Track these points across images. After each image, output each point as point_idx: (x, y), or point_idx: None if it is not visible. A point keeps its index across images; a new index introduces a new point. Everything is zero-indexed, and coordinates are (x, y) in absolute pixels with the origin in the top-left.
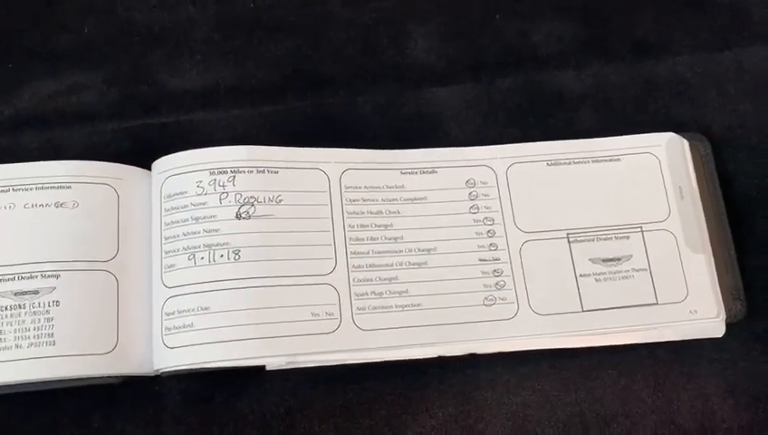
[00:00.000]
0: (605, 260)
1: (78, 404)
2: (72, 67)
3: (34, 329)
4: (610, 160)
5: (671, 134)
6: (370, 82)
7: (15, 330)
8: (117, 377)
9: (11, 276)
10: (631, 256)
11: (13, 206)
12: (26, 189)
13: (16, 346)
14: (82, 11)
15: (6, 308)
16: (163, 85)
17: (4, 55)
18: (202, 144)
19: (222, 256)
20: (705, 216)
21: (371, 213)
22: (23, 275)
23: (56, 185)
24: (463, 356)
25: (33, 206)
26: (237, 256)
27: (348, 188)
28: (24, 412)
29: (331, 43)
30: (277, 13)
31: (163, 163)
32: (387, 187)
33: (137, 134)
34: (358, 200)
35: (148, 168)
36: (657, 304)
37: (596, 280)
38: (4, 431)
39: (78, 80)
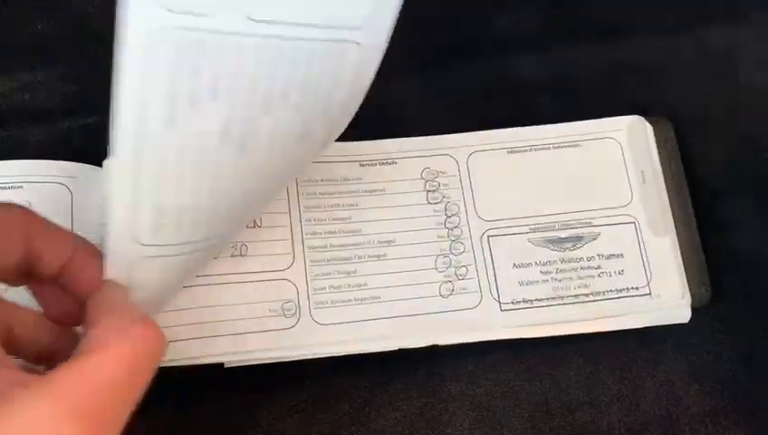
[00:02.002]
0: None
1: None
2: (26, 65)
3: None
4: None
5: (633, 117)
6: None
7: None
8: None
9: None
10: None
11: None
12: None
13: None
14: (35, 8)
15: None
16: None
17: None
18: None
19: None
20: (669, 200)
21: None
22: None
23: (7, 185)
24: (426, 348)
25: None
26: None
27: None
28: None
29: None
30: None
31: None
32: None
33: (92, 132)
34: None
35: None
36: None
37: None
38: None
39: (32, 78)
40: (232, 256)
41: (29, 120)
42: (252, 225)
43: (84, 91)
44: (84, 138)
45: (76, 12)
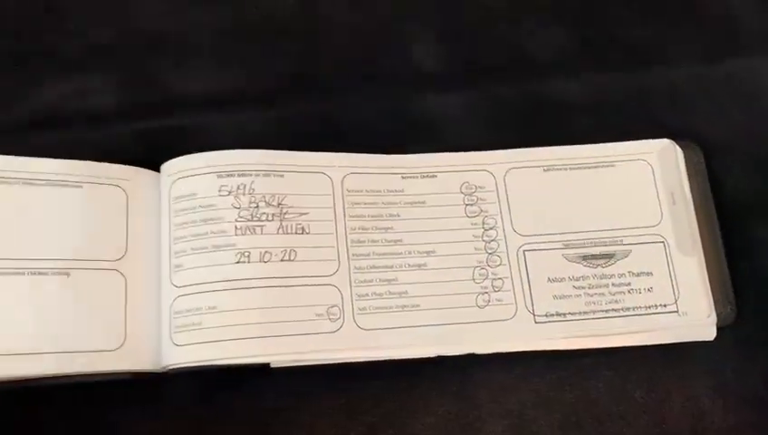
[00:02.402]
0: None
1: (85, 399)
2: (84, 71)
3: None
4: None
5: (665, 141)
6: (373, 87)
7: None
8: (125, 373)
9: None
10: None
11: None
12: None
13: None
14: (94, 16)
15: None
16: (171, 89)
17: (19, 58)
18: (208, 147)
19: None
20: (697, 221)
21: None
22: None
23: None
24: (462, 356)
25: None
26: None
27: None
28: (31, 408)
29: (333, 49)
30: (281, 18)
31: (172, 166)
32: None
33: (145, 137)
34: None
35: (157, 169)
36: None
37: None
38: (10, 426)
39: (89, 83)
40: (282, 260)
41: (85, 123)
42: (300, 231)
43: (138, 97)
44: (137, 142)
45: (132, 22)
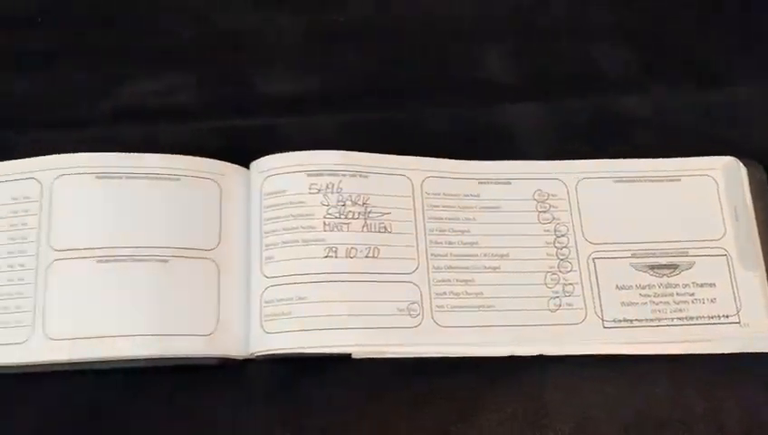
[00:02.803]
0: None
1: (172, 383)
2: (171, 68)
3: None
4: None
5: (729, 158)
6: (445, 96)
7: None
8: (213, 358)
9: (124, 258)
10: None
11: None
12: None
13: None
14: (181, 16)
15: None
16: (253, 90)
17: (109, 54)
18: (287, 147)
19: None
20: (759, 237)
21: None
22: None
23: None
24: (530, 357)
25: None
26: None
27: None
28: (119, 389)
29: (409, 58)
30: (360, 26)
31: (263, 163)
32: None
33: (227, 134)
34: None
35: (239, 164)
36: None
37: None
38: (99, 406)
39: (175, 80)
40: (366, 256)
41: (170, 119)
42: (383, 230)
43: (221, 96)
44: (218, 139)
45: (218, 23)
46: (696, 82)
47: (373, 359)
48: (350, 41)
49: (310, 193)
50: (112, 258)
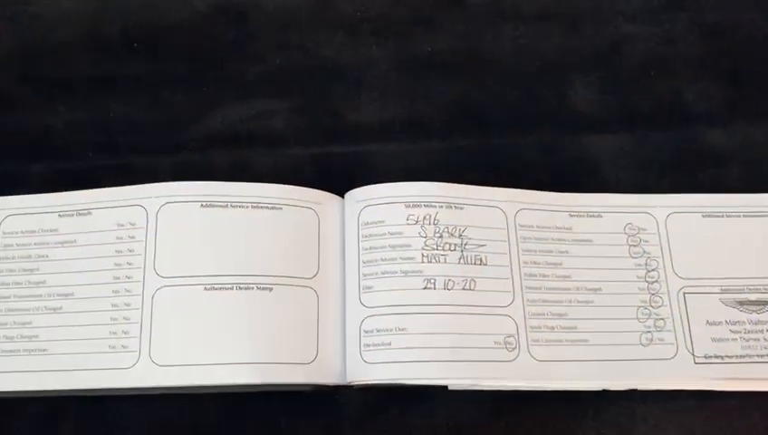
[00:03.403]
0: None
1: (267, 408)
2: (262, 95)
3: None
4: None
5: None
6: (532, 126)
7: None
8: (310, 385)
9: (230, 286)
10: None
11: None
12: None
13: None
14: (274, 44)
15: None
16: (343, 117)
17: (201, 80)
18: (376, 174)
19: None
20: None
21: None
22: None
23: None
24: (619, 390)
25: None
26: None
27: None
28: (215, 413)
29: (497, 88)
30: (449, 57)
31: (359, 193)
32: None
33: (316, 161)
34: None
35: (328, 191)
36: None
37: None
38: (198, 428)
39: (266, 107)
40: (463, 288)
41: (260, 146)
42: (478, 262)
43: (311, 123)
44: (309, 166)
45: (310, 51)
46: None
47: (460, 390)
48: (437, 71)
49: (408, 224)
50: (218, 286)
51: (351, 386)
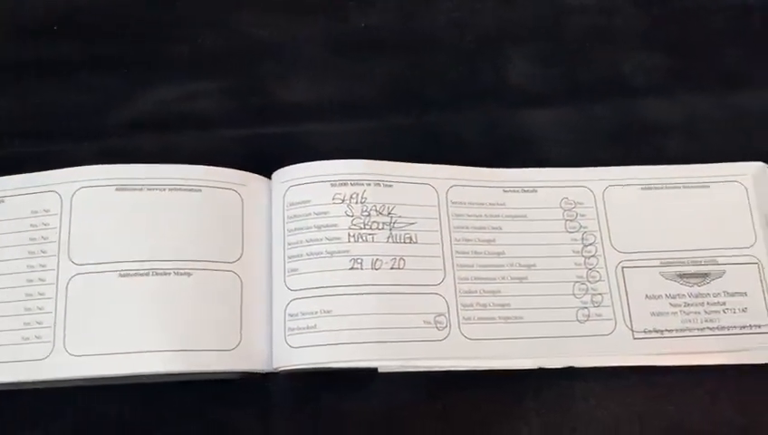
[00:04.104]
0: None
1: (193, 397)
2: (190, 76)
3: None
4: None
5: (758, 164)
6: (471, 102)
7: None
8: (236, 372)
9: (146, 272)
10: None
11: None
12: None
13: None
14: (203, 24)
15: None
16: (276, 98)
17: (127, 62)
18: (311, 156)
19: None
20: None
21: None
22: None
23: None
24: (558, 368)
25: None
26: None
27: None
28: (139, 403)
29: (434, 65)
30: (384, 34)
31: (285, 173)
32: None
33: (248, 142)
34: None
35: (262, 174)
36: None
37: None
38: (124, 420)
39: (197, 88)
40: (391, 268)
41: (190, 128)
42: (408, 240)
43: (243, 104)
44: (240, 148)
45: (239, 30)
46: (725, 87)
47: (395, 373)
48: (374, 48)
49: (333, 203)
50: (133, 272)
51: (280, 373)
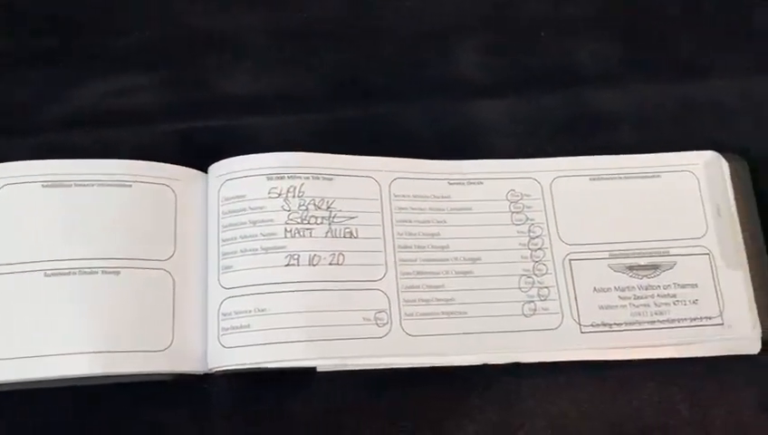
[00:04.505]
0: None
1: (129, 400)
2: (128, 69)
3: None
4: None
5: (711, 153)
6: (418, 93)
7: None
8: (169, 374)
9: (72, 271)
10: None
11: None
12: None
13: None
14: (139, 16)
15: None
16: (216, 90)
17: (63, 55)
18: (252, 149)
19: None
20: (742, 234)
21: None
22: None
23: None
24: (505, 364)
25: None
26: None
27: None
28: (74, 407)
29: (380, 55)
30: (329, 24)
31: (221, 167)
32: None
33: (188, 136)
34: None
35: (199, 169)
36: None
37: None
38: (56, 425)
39: (133, 82)
40: (330, 263)
41: (127, 123)
42: (348, 235)
43: (181, 97)
44: (179, 142)
45: (178, 22)
46: (676, 76)
47: (341, 371)
48: (316, 39)
49: (270, 198)
50: (60, 271)
51: (216, 374)
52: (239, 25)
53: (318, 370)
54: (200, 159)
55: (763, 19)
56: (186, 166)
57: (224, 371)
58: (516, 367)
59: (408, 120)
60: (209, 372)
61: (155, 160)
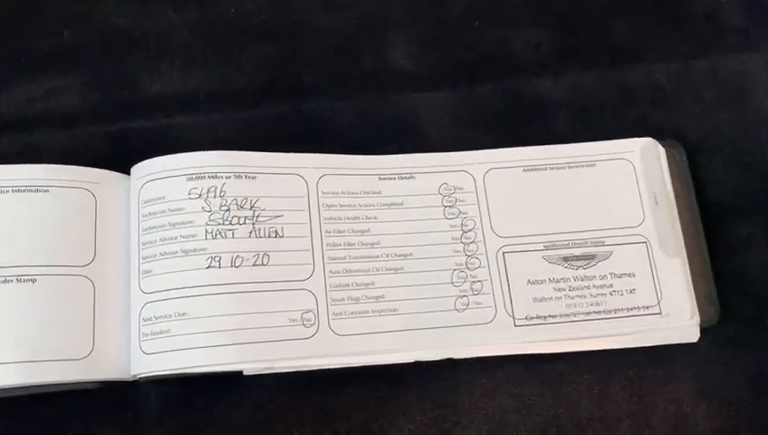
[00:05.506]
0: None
1: (54, 410)
2: (52, 72)
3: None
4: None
5: (647, 139)
6: (350, 88)
7: None
8: (94, 382)
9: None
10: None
11: None
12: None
13: None
14: (62, 17)
15: None
16: (143, 90)
17: None
18: (182, 149)
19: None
20: (680, 221)
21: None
22: None
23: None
24: (441, 361)
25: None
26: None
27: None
28: None
29: (310, 50)
30: (257, 19)
31: (141, 168)
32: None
33: (116, 138)
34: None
35: (128, 172)
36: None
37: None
38: None
39: (58, 84)
40: (254, 264)
41: (52, 126)
42: (273, 235)
43: (108, 98)
44: (107, 145)
45: (102, 22)
46: (611, 63)
47: (270, 374)
48: (245, 35)
49: (189, 199)
50: None
51: (140, 380)
52: (165, 22)
53: (245, 373)
54: (129, 161)
55: (702, 2)
56: (115, 168)
57: (147, 377)
58: (453, 363)
59: (341, 116)
60: (134, 379)
61: (83, 164)
